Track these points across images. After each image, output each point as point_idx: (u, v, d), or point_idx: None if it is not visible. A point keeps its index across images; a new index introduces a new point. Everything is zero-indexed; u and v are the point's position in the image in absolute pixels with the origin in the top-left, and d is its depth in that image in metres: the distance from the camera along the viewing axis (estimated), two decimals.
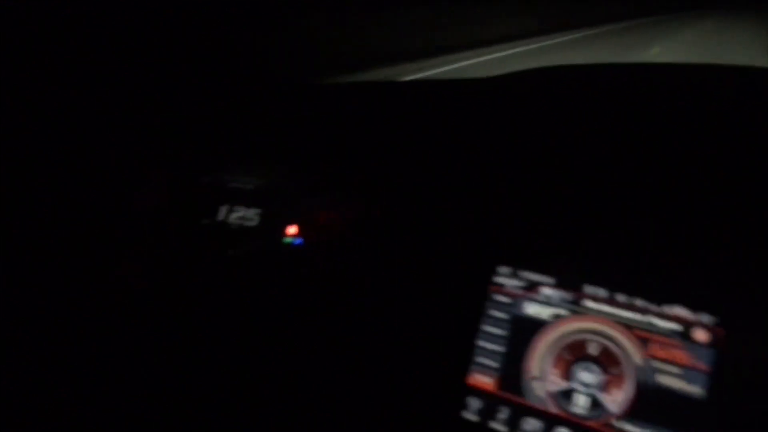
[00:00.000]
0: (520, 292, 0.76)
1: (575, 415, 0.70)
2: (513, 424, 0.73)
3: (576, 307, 0.73)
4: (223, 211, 0.97)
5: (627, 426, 0.67)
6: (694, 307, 0.67)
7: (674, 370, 0.66)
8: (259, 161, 0.97)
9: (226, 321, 0.90)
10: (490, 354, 0.75)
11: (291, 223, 0.89)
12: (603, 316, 0.71)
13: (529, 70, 1.02)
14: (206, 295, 0.94)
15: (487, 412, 0.74)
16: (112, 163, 1.03)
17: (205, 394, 0.86)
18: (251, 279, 0.91)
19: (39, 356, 0.89)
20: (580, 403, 0.70)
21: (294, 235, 0.88)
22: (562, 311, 0.73)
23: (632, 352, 0.69)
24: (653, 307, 0.69)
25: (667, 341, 0.67)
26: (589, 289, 0.73)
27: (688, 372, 0.66)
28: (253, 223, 0.93)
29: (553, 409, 0.71)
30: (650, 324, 0.69)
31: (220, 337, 0.90)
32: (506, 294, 0.76)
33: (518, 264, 0.77)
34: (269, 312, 0.88)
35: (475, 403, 0.75)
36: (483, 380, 0.75)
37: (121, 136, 1.04)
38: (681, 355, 0.67)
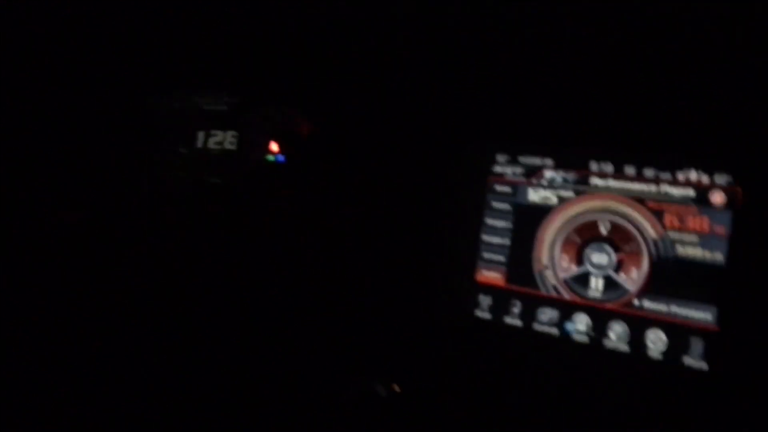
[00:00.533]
0: (521, 178, 0.71)
1: (592, 299, 0.67)
2: (528, 316, 0.69)
3: (582, 187, 0.68)
4: (200, 137, 0.91)
5: (647, 303, 0.64)
6: (708, 169, 0.62)
7: (692, 238, 0.62)
8: (229, 78, 0.90)
9: (218, 254, 0.87)
10: (495, 248, 0.71)
11: (271, 140, 0.83)
12: (612, 192, 0.66)
13: None
14: (194, 230, 0.90)
15: (500, 308, 0.71)
16: (83, 97, 0.97)
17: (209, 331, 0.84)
18: (238, 203, 0.86)
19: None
20: (596, 285, 0.66)
21: (276, 153, 0.83)
22: (567, 193, 0.68)
23: (646, 226, 0.64)
24: (665, 175, 0.64)
25: (682, 209, 0.63)
26: (594, 165, 0.67)
27: (706, 239, 0.61)
28: (233, 146, 0.88)
29: (567, 296, 0.68)
30: (663, 194, 0.64)
31: (215, 271, 0.87)
32: (507, 183, 0.71)
33: (517, 149, 0.71)
34: (265, 234, 0.84)
35: (485, 300, 0.72)
36: (492, 276, 0.72)
37: (88, 60, 0.98)
38: (698, 221, 0.62)
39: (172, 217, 0.92)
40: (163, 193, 0.92)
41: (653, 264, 0.64)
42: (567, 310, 0.68)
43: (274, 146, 0.83)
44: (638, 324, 0.64)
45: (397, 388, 0.71)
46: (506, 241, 0.71)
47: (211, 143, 0.90)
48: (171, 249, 0.91)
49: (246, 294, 0.83)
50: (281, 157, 0.83)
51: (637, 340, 0.64)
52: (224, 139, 0.89)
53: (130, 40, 0.93)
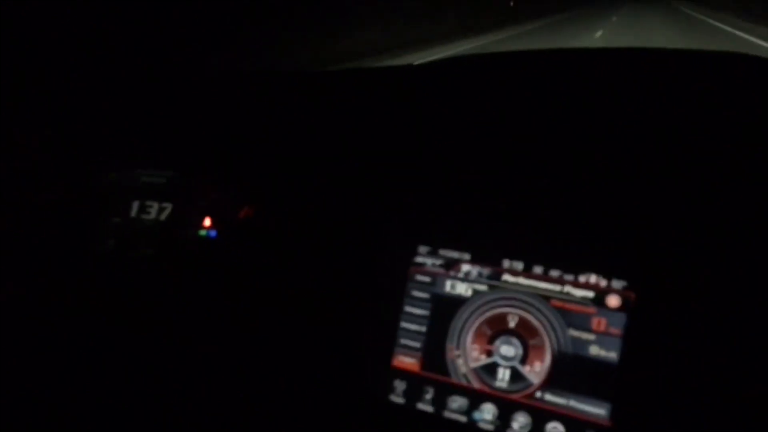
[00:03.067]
0: (440, 270, 0.75)
1: (498, 389, 0.70)
2: (439, 403, 0.72)
3: (494, 282, 0.73)
4: (135, 207, 0.92)
5: (548, 395, 0.68)
6: (606, 274, 0.68)
7: (590, 337, 0.67)
8: (168, 154, 0.93)
9: (145, 318, 0.87)
10: (413, 335, 0.75)
11: (204, 215, 0.86)
12: (521, 288, 0.71)
13: (447, 58, 1.02)
14: (123, 295, 0.90)
15: (413, 394, 0.74)
16: (16, 165, 0.97)
17: (130, 385, 0.83)
18: (168, 275, 0.87)
19: None
20: (502, 376, 0.70)
21: (208, 228, 0.85)
22: (481, 287, 0.73)
23: (550, 322, 0.69)
24: (569, 277, 0.70)
25: (582, 309, 0.68)
26: (506, 263, 0.73)
27: (602, 338, 0.67)
28: (166, 217, 0.89)
29: (476, 384, 0.71)
30: (566, 294, 0.69)
31: (139, 334, 0.87)
32: (427, 273, 0.76)
33: (437, 242, 0.76)
34: (188, 306, 0.85)
35: (400, 385, 0.74)
36: (407, 361, 0.75)
37: (25, 136, 0.99)
38: (595, 321, 0.68)
39: (103, 286, 0.91)
40: (94, 263, 0.92)
41: (555, 359, 0.68)
42: (475, 398, 0.71)
43: (206, 221, 0.86)
44: (540, 416, 0.68)
45: None
46: (423, 329, 0.75)
47: (145, 214, 0.92)
48: (101, 318, 0.90)
49: (167, 364, 0.83)
50: (213, 233, 0.85)
51: (538, 431, 0.68)
52: (158, 211, 0.91)
53: (71, 112, 0.95)
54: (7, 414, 0.82)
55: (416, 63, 0.98)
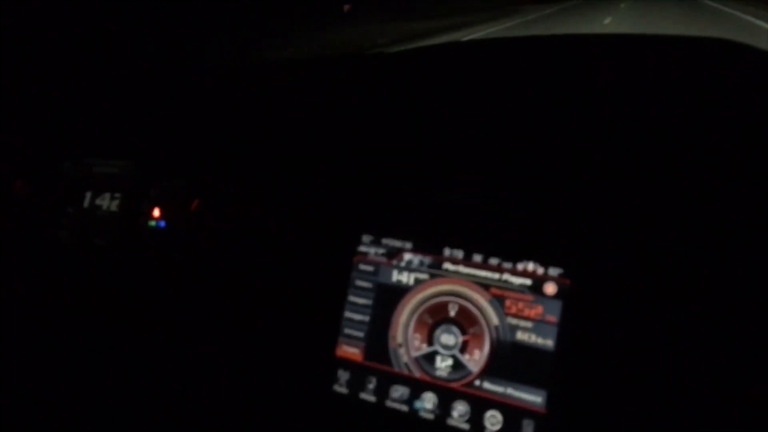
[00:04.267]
0: (383, 259, 0.75)
1: (438, 378, 0.70)
2: (381, 392, 0.72)
3: (436, 271, 0.72)
4: (87, 197, 0.92)
5: (487, 384, 0.68)
6: (543, 262, 0.68)
7: (527, 324, 0.67)
8: (120, 145, 0.93)
9: (97, 310, 0.87)
10: (356, 324, 0.75)
11: (154, 206, 0.85)
12: (461, 277, 0.71)
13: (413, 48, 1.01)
14: (75, 286, 0.90)
15: (356, 383, 0.73)
16: None
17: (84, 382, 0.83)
18: (119, 265, 0.87)
19: None
20: (442, 365, 0.70)
21: (157, 218, 0.85)
22: (422, 275, 0.73)
23: (489, 311, 0.69)
24: (507, 265, 0.69)
25: (520, 297, 0.68)
26: (447, 251, 0.72)
27: (539, 326, 0.66)
28: (118, 208, 0.89)
29: (417, 374, 0.71)
30: (505, 281, 0.69)
31: (91, 327, 0.87)
32: (370, 262, 0.75)
33: (380, 231, 0.76)
34: (138, 298, 0.85)
35: (344, 375, 0.74)
36: (351, 351, 0.74)
37: None
38: (533, 309, 0.67)
39: (57, 275, 0.91)
40: (49, 252, 0.92)
41: (493, 347, 0.68)
42: (417, 387, 0.71)
43: (156, 212, 0.86)
44: (479, 404, 0.68)
45: None
46: (366, 318, 0.74)
47: (98, 204, 0.91)
48: (54, 307, 0.90)
49: (114, 353, 0.83)
50: (162, 224, 0.85)
51: (476, 419, 0.68)
52: (110, 201, 0.91)
53: (25, 102, 0.95)
54: None
55: (370, 52, 0.97)
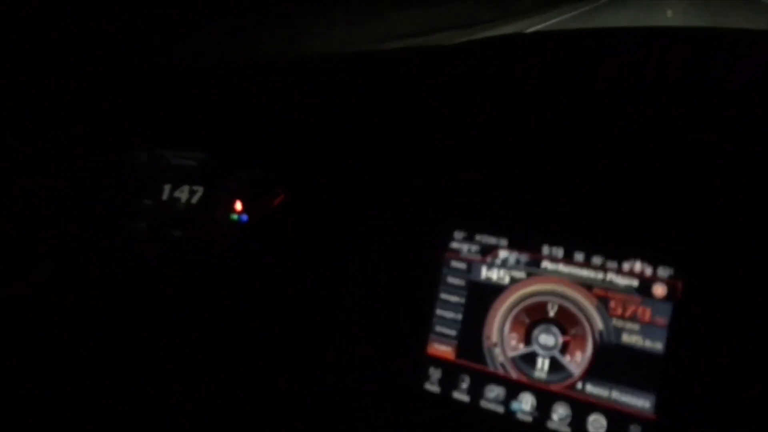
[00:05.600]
0: (476, 256, 0.73)
1: (537, 379, 0.68)
2: (475, 392, 0.71)
3: (533, 269, 0.70)
4: (166, 190, 0.92)
5: (589, 386, 0.66)
6: (652, 261, 0.65)
7: (634, 327, 0.65)
8: (200, 136, 0.92)
9: (178, 303, 0.87)
10: (448, 322, 0.73)
11: (236, 199, 0.84)
12: (561, 276, 0.69)
13: (486, 38, 0.99)
14: (155, 278, 0.90)
15: (449, 382, 0.72)
16: (51, 146, 0.98)
17: (165, 377, 0.83)
18: (199, 259, 0.87)
19: None
20: (541, 366, 0.68)
21: (239, 212, 0.84)
22: (519, 274, 0.71)
23: (591, 311, 0.67)
24: (612, 264, 0.67)
25: (626, 298, 0.66)
26: (546, 249, 0.70)
27: (647, 328, 0.64)
28: (197, 201, 0.89)
29: (514, 374, 0.69)
30: (609, 282, 0.67)
31: (173, 319, 0.86)
32: (462, 259, 0.74)
33: (474, 228, 0.74)
34: (220, 292, 0.84)
35: (435, 373, 0.73)
36: (442, 349, 0.73)
37: (57, 114, 0.99)
38: (640, 311, 0.65)
39: (134, 267, 0.91)
40: (126, 244, 0.92)
41: (597, 349, 0.66)
42: (513, 388, 0.69)
43: (238, 205, 0.85)
44: (581, 407, 0.66)
45: None
46: (458, 316, 0.73)
47: (176, 197, 0.91)
48: (132, 299, 0.90)
49: (194, 348, 0.83)
50: (245, 217, 0.84)
51: (579, 423, 0.66)
52: (190, 194, 0.90)
53: (102, 93, 0.94)
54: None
55: (454, 43, 0.95)
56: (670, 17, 13.51)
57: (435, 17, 8.99)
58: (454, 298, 0.73)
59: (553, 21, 13.34)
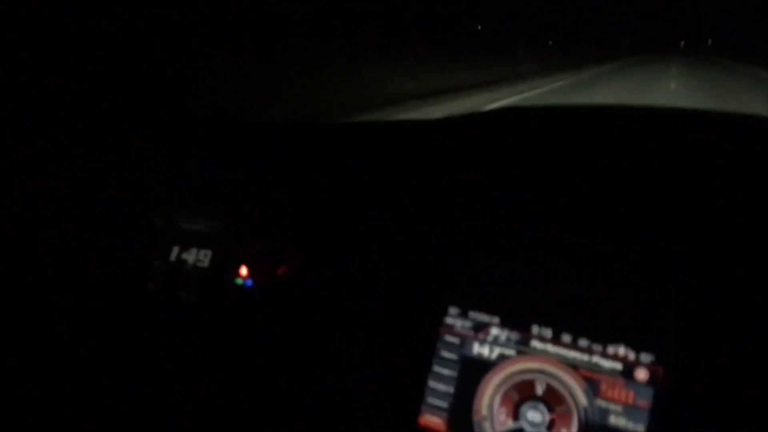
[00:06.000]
0: (469, 332, 0.77)
1: None
2: None
3: (523, 347, 0.74)
4: (175, 252, 0.96)
5: None
6: (635, 346, 0.69)
7: (617, 408, 0.68)
8: (210, 203, 0.97)
9: (181, 364, 0.89)
10: (440, 395, 0.76)
11: (241, 264, 0.89)
12: (549, 356, 0.72)
13: (479, 113, 1.04)
14: (159, 338, 0.93)
15: None
16: (67, 205, 1.02)
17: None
18: (204, 321, 0.90)
19: None
20: None
21: (245, 277, 0.88)
22: (509, 351, 0.74)
23: (577, 391, 0.70)
24: (597, 348, 0.71)
25: (610, 380, 0.69)
26: (535, 329, 0.74)
27: (630, 410, 0.67)
28: (205, 264, 0.93)
29: None
30: (594, 364, 0.70)
31: (174, 378, 0.89)
32: (456, 334, 0.77)
33: (467, 305, 0.78)
34: (223, 354, 0.87)
35: None
36: (434, 421, 0.76)
37: (74, 178, 1.03)
38: (623, 393, 0.68)
39: (143, 327, 0.94)
40: (135, 304, 0.95)
41: (582, 428, 0.69)
42: None
43: (243, 270, 0.89)
44: None
45: None
46: (450, 389, 0.76)
47: (184, 259, 0.95)
48: (137, 358, 0.92)
49: (201, 409, 0.85)
50: (249, 282, 0.88)
51: None
52: (197, 257, 0.94)
53: (121, 157, 1.00)
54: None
55: (455, 115, 1.00)
56: (673, 89, 14.09)
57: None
58: (447, 372, 0.77)
59: (558, 84, 13.71)
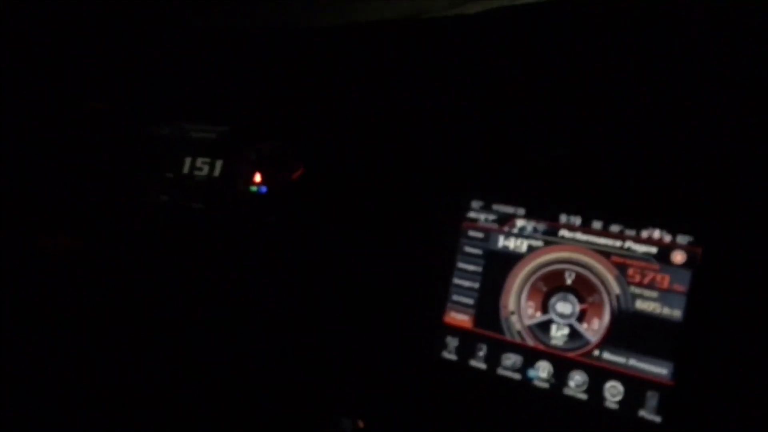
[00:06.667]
0: (493, 225, 0.73)
1: (554, 347, 0.68)
2: (492, 360, 0.71)
3: (551, 238, 0.70)
4: (187, 163, 0.93)
5: (606, 354, 0.66)
6: (671, 228, 0.65)
7: (652, 294, 0.64)
8: (220, 109, 0.93)
9: (199, 275, 0.88)
10: (465, 291, 0.73)
11: (255, 171, 0.85)
12: (579, 244, 0.69)
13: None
14: (177, 249, 0.91)
15: (466, 350, 0.73)
16: (72, 119, 0.99)
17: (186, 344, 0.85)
18: (220, 230, 0.88)
19: None
20: (558, 334, 0.68)
21: (258, 183, 0.85)
22: (536, 242, 0.71)
23: (609, 279, 0.67)
24: (630, 232, 0.67)
25: (644, 266, 0.65)
26: (564, 218, 0.70)
27: (665, 295, 0.64)
28: (217, 173, 0.90)
29: (531, 342, 0.69)
30: (627, 249, 0.66)
31: (194, 290, 0.88)
32: (479, 229, 0.74)
33: (491, 197, 0.74)
34: (241, 263, 0.85)
35: (453, 341, 0.73)
36: (460, 318, 0.73)
37: (78, 88, 1.00)
38: (659, 278, 0.64)
39: (156, 239, 0.93)
40: (147, 217, 0.93)
41: (614, 317, 0.66)
42: (530, 356, 0.69)
43: (257, 177, 0.85)
44: (597, 374, 0.66)
45: (361, 425, 0.72)
46: (476, 285, 0.73)
47: (197, 170, 0.92)
48: (154, 271, 0.92)
49: (217, 322, 0.84)
50: (264, 189, 0.85)
51: (595, 389, 0.66)
52: (210, 167, 0.91)
53: (121, 67, 0.95)
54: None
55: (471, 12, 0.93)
56: None
57: None
58: (471, 267, 0.74)
59: None
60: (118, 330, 0.88)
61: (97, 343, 0.87)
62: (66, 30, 0.93)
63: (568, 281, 0.69)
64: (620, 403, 0.64)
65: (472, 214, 0.74)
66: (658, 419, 0.62)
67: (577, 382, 0.67)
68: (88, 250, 0.92)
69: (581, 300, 0.68)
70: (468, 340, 0.73)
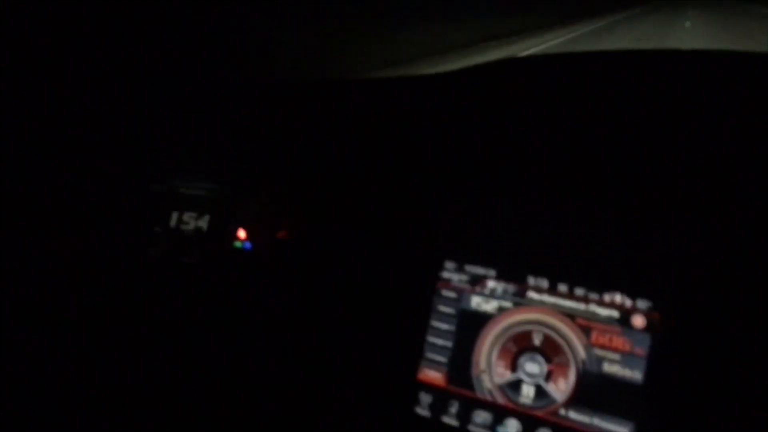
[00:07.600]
0: (466, 286, 0.76)
1: (522, 405, 0.71)
2: (464, 417, 0.73)
3: (520, 299, 0.73)
4: (174, 217, 0.96)
5: (571, 413, 0.68)
6: (631, 293, 0.68)
7: (614, 356, 0.67)
8: (208, 167, 0.96)
9: (181, 326, 0.90)
10: (438, 349, 0.76)
11: (240, 227, 0.89)
12: (546, 306, 0.72)
13: (484, 64, 1.02)
14: (161, 301, 0.94)
15: (439, 407, 0.75)
16: (65, 172, 1.02)
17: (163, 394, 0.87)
18: (204, 283, 0.91)
19: None
20: (527, 393, 0.71)
21: (243, 240, 0.88)
22: (506, 303, 0.74)
23: (575, 340, 0.70)
24: (594, 296, 0.70)
25: (607, 328, 0.68)
26: (531, 280, 0.73)
27: (627, 358, 0.67)
28: (204, 228, 0.93)
29: (501, 400, 0.72)
30: (591, 312, 0.69)
31: (175, 341, 0.90)
32: (453, 289, 0.77)
33: (463, 258, 0.77)
34: (222, 316, 0.88)
35: (426, 398, 0.76)
36: (433, 375, 0.76)
37: (72, 144, 1.04)
38: (620, 341, 0.67)
39: (146, 292, 0.95)
40: (136, 271, 0.96)
41: (579, 377, 0.69)
42: (500, 414, 0.72)
43: (241, 233, 0.89)
44: None
45: None
46: (449, 344, 0.76)
47: (185, 223, 0.95)
48: (138, 323, 0.94)
49: (199, 367, 0.87)
50: (248, 245, 0.88)
51: None
52: (197, 221, 0.94)
53: (117, 124, 0.99)
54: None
55: (452, 69, 0.97)
56: (688, 27, 13.79)
57: (444, 35, 9.04)
58: (445, 326, 0.76)
59: (572, 35, 13.47)
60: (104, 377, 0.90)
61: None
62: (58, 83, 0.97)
63: (536, 342, 0.72)
64: None
65: (445, 274, 0.78)
66: None
67: None
68: (78, 301, 0.94)
69: (548, 360, 0.71)
70: (441, 397, 0.75)
